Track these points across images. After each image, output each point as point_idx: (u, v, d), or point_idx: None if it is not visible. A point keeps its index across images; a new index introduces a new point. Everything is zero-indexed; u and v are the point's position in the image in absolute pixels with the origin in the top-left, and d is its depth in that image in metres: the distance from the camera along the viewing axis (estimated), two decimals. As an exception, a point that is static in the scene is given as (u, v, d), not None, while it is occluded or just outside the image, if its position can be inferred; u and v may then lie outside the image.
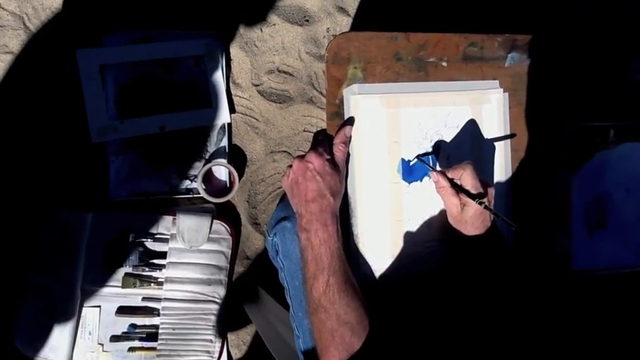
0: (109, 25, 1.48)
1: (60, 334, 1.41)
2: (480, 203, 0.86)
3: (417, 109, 0.97)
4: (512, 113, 1.03)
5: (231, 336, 1.60)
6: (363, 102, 0.94)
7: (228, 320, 1.55)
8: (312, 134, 1.59)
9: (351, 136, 0.94)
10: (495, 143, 1.02)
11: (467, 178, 0.88)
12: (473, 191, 0.88)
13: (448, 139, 0.99)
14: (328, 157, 0.90)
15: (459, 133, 1.00)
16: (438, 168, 0.97)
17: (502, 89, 1.02)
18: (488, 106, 1.00)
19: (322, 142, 0.93)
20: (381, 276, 0.98)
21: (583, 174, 1.05)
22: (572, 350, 0.94)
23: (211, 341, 1.50)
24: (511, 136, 1.03)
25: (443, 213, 0.99)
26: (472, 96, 0.99)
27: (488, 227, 0.91)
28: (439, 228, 1.00)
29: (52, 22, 1.50)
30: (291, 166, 0.93)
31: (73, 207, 1.46)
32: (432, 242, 1.00)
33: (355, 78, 0.96)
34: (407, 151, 0.97)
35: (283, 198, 1.07)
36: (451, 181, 0.90)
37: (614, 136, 1.05)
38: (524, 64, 1.03)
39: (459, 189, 0.90)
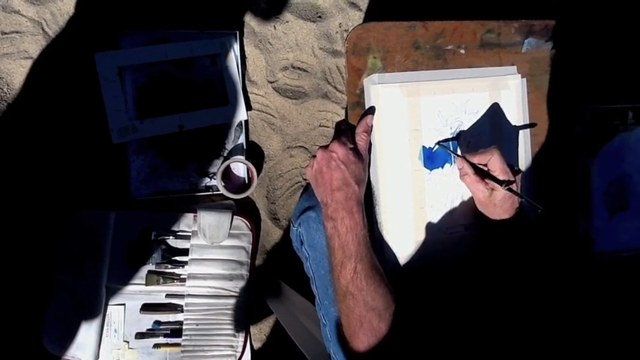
0: (125, 28, 1.50)
1: (86, 333, 1.43)
2: (507, 188, 0.87)
3: (436, 96, 0.98)
4: (530, 98, 1.04)
5: (253, 330, 1.62)
6: (383, 91, 0.95)
7: (250, 315, 1.56)
8: (328, 129, 1.61)
9: (372, 125, 0.96)
10: (515, 128, 1.03)
11: (495, 162, 0.89)
12: (501, 176, 0.89)
13: (468, 126, 1.00)
14: (351, 145, 0.91)
15: (478, 119, 1.01)
16: (459, 153, 0.98)
17: (520, 75, 1.02)
18: (507, 92, 1.01)
19: (345, 131, 0.94)
20: (406, 263, 0.99)
21: (603, 156, 1.05)
22: (594, 332, 0.95)
23: (234, 336, 1.52)
24: (531, 125, 1.04)
25: (465, 199, 1.00)
26: (490, 82, 1.00)
27: (517, 209, 0.92)
28: (462, 214, 1.01)
29: (69, 26, 1.53)
30: (314, 156, 0.94)
31: (96, 207, 1.48)
32: (456, 228, 1.01)
33: (375, 68, 0.97)
34: (428, 139, 0.98)
35: (307, 188, 1.08)
36: (476, 167, 0.91)
37: (632, 118, 1.05)
38: (542, 49, 1.04)
39: (484, 175, 0.90)
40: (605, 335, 0.94)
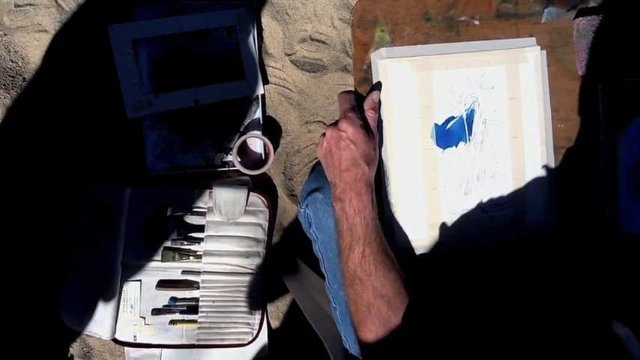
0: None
1: (103, 309, 1.44)
2: None
3: (449, 71, 0.93)
4: (550, 71, 0.98)
5: (270, 307, 1.61)
6: (391, 66, 0.91)
7: (267, 292, 1.55)
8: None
9: (380, 101, 0.92)
10: (535, 103, 0.97)
11: None
12: None
13: (483, 102, 0.95)
14: (361, 123, 0.88)
15: (495, 94, 0.95)
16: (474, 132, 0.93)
17: (539, 47, 0.97)
18: (525, 65, 0.96)
19: (353, 108, 0.90)
20: (418, 245, 0.96)
21: (629, 133, 0.99)
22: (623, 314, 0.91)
23: (251, 313, 1.51)
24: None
25: (482, 180, 0.96)
26: (507, 55, 0.95)
27: None
28: (479, 196, 0.97)
29: (82, -2, 1.51)
30: (324, 134, 0.91)
31: (112, 182, 1.47)
32: (473, 211, 0.97)
33: (383, 41, 0.93)
34: (440, 116, 0.94)
35: (314, 169, 1.05)
36: None
37: (662, 91, 0.99)
38: (563, 18, 0.98)
39: None
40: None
